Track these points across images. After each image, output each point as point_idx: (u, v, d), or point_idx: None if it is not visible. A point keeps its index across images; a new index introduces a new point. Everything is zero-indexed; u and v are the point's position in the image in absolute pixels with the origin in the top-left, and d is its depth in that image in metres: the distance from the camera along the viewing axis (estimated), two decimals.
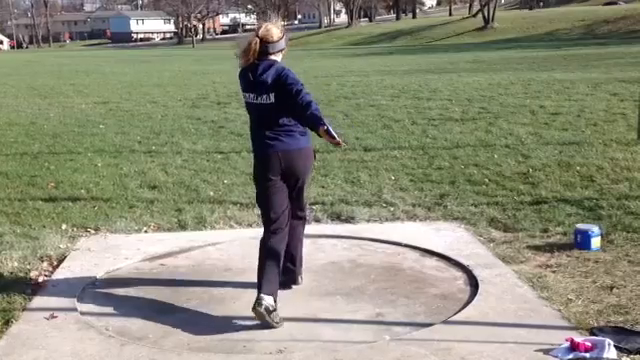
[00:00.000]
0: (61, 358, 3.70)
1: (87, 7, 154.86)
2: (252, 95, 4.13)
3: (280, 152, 4.09)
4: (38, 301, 4.51)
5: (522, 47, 40.93)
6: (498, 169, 8.07)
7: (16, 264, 5.20)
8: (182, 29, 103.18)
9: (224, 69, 28.68)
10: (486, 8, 66.16)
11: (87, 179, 8.17)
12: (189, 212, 6.59)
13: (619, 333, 3.73)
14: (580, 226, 5.40)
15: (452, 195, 6.97)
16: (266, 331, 3.93)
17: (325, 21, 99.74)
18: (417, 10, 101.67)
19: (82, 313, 4.30)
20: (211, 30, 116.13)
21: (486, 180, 7.56)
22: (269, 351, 3.73)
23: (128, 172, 8.54)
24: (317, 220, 6.31)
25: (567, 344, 3.57)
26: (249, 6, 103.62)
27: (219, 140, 10.82)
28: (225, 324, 4.09)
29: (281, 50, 4.18)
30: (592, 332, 3.78)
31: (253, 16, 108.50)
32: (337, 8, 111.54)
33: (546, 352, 3.56)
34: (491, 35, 60.07)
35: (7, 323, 4.14)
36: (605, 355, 3.47)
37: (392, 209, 6.56)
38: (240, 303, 4.31)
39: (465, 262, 5.01)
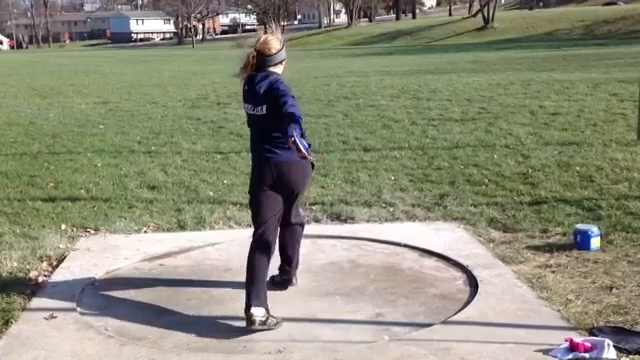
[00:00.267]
0: (60, 358, 3.70)
1: (87, 7, 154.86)
2: (249, 106, 4.15)
3: (273, 164, 4.05)
4: (37, 301, 4.51)
5: (522, 47, 40.94)
6: (498, 169, 8.07)
7: (15, 264, 5.20)
8: (182, 29, 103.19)
9: (224, 69, 28.67)
10: (486, 8, 66.15)
11: (87, 179, 8.17)
12: (188, 212, 6.59)
13: (618, 333, 3.73)
14: (580, 226, 5.40)
15: (452, 195, 6.97)
16: (266, 331, 3.93)
17: (325, 21, 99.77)
18: (417, 10, 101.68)
19: (81, 313, 4.30)
20: (211, 30, 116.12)
21: (486, 180, 7.56)
22: (268, 351, 3.73)
23: (128, 172, 8.54)
24: (317, 220, 6.31)
25: (566, 344, 3.57)
26: (249, 6, 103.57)
27: (219, 140, 10.82)
28: (224, 324, 4.10)
29: (281, 62, 4.17)
30: (591, 332, 3.78)
31: (253, 16, 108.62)
32: (337, 8, 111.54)
33: (545, 352, 3.56)
34: (491, 35, 60.08)
35: (7, 323, 4.14)
36: (604, 355, 3.47)
37: (392, 209, 6.56)
38: (239, 303, 4.29)
39: (464, 262, 5.01)
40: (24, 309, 4.37)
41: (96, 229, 6.18)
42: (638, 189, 6.95)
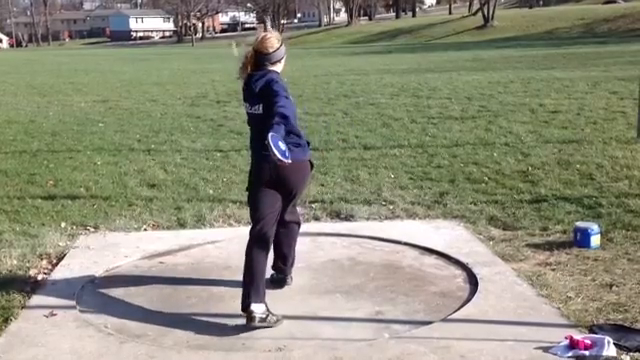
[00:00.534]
0: (60, 356, 3.70)
1: (86, 5, 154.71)
2: (248, 105, 4.17)
3: (271, 163, 3.89)
4: (37, 299, 4.50)
5: (522, 46, 40.91)
6: (497, 167, 8.07)
7: (15, 262, 5.20)
8: (181, 27, 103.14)
9: (223, 67, 28.67)
10: (486, 7, 66.09)
11: (86, 177, 8.17)
12: (188, 210, 6.59)
13: (618, 331, 3.74)
14: (579, 224, 5.40)
15: (451, 193, 6.97)
16: (265, 329, 3.93)
17: (325, 20, 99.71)
18: (417, 9, 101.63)
19: (81, 311, 4.30)
20: (210, 29, 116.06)
21: (485, 178, 7.56)
22: (268, 349, 3.73)
23: (127, 170, 8.54)
24: (316, 218, 6.31)
25: (566, 342, 3.57)
26: (248, 4, 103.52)
27: (218, 138, 10.81)
28: (224, 322, 4.09)
29: (279, 60, 4.17)
30: (591, 330, 3.78)
31: (252, 14, 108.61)
32: (337, 7, 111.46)
33: (545, 350, 3.56)
34: (491, 34, 60.03)
35: (6, 321, 4.14)
36: (604, 353, 3.47)
37: (391, 207, 6.56)
38: (239, 301, 4.28)
39: (464, 260, 5.01)
40: (24, 307, 4.37)
41: (96, 227, 6.18)
42: (638, 187, 6.95)
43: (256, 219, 4.17)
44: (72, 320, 4.15)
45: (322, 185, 7.45)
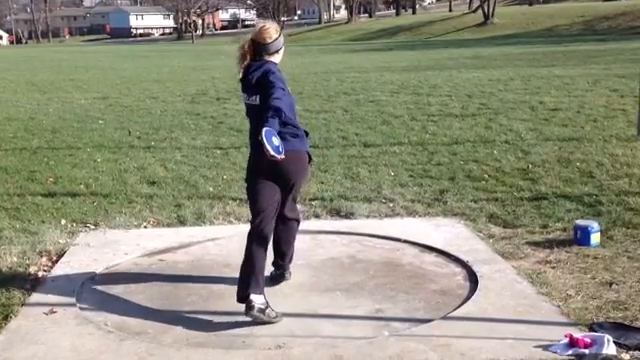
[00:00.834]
0: (60, 353, 3.70)
1: (86, 2, 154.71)
2: (245, 95, 4.15)
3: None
4: (37, 296, 4.50)
5: (522, 43, 40.87)
6: (498, 165, 8.07)
7: (15, 259, 5.20)
8: (181, 24, 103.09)
9: (223, 65, 28.65)
10: (486, 4, 66.02)
11: (86, 174, 8.17)
12: (188, 208, 6.59)
13: (618, 329, 3.73)
14: (580, 222, 5.40)
15: (451, 191, 6.97)
16: (265, 326, 3.93)
17: (325, 17, 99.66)
18: (417, 6, 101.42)
19: (81, 308, 4.30)
20: (210, 26, 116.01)
21: (486, 176, 7.55)
22: (268, 346, 3.73)
23: (127, 167, 8.54)
24: (316, 216, 6.31)
25: (566, 340, 3.57)
26: (249, 1, 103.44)
27: (218, 136, 10.81)
28: (224, 320, 4.09)
29: (277, 51, 4.15)
30: (591, 328, 3.78)
31: (253, 12, 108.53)
32: (337, 4, 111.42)
33: (545, 348, 3.56)
34: (491, 31, 59.96)
35: (6, 318, 4.14)
36: (604, 351, 3.47)
37: (391, 205, 6.56)
38: None
39: (464, 258, 5.01)
40: (24, 304, 4.37)
41: (96, 224, 6.18)
42: (638, 185, 6.95)
43: (255, 212, 4.16)
44: (72, 317, 4.15)
45: (322, 183, 7.44)
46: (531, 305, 4.14)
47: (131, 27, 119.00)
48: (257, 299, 3.95)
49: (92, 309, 4.30)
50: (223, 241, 5.62)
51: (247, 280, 4.00)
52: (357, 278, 4.75)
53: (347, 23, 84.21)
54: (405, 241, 5.49)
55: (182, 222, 6.21)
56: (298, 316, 4.12)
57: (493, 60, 26.57)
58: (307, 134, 4.29)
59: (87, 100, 16.78)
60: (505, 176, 7.53)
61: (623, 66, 19.96)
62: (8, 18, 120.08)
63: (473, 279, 4.64)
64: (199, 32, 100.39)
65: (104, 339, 3.84)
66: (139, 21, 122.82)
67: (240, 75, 4.15)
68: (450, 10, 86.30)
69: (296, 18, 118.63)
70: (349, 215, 6.30)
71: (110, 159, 9.12)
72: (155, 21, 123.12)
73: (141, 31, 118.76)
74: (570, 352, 3.49)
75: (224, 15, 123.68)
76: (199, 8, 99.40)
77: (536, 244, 5.32)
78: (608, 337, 3.56)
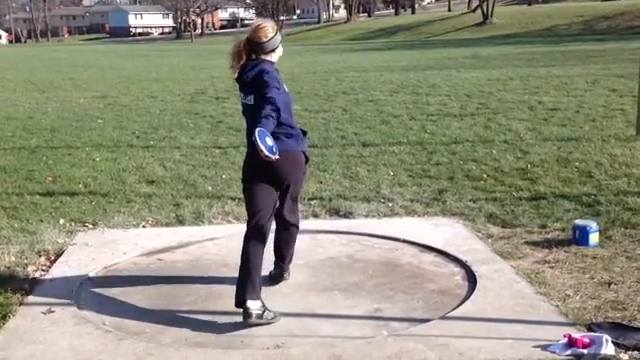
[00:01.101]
0: (58, 353, 3.69)
1: (85, 1, 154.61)
2: (242, 95, 4.11)
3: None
4: (35, 296, 4.50)
5: (521, 43, 40.89)
6: (496, 165, 8.07)
7: (13, 259, 5.19)
8: (181, 24, 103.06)
9: (223, 64, 28.59)
10: (485, 4, 66.05)
11: (85, 174, 8.16)
12: (187, 207, 6.58)
13: (617, 329, 3.73)
14: (578, 222, 5.40)
15: (450, 191, 6.97)
16: (264, 326, 3.93)
17: (324, 16, 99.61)
18: (416, 5, 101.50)
19: (79, 308, 4.29)
20: (210, 25, 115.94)
21: (484, 176, 7.55)
22: (267, 346, 3.72)
23: (126, 167, 8.53)
24: (315, 215, 6.30)
25: (565, 340, 3.56)
26: (248, 1, 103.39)
27: (217, 135, 10.80)
28: (223, 319, 4.08)
29: (274, 49, 4.08)
30: (590, 328, 3.78)
31: (252, 11, 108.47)
32: (336, 3, 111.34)
33: (544, 348, 3.56)
34: (490, 31, 59.98)
35: (4, 318, 4.13)
36: (603, 351, 3.47)
37: (390, 204, 6.55)
38: None
39: (463, 258, 5.01)
40: (22, 304, 4.36)
41: (94, 224, 6.18)
42: (637, 185, 6.95)
43: (252, 212, 4.13)
44: (70, 317, 4.14)
45: (321, 182, 7.44)
46: (530, 305, 4.14)
47: (130, 26, 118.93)
48: (253, 305, 3.92)
49: (90, 309, 4.30)
50: (222, 241, 5.62)
51: (244, 285, 3.98)
52: (356, 278, 4.74)
53: (346, 22, 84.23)
54: (404, 241, 5.48)
55: (181, 221, 6.21)
56: (297, 316, 4.11)
57: (492, 60, 26.59)
58: (305, 133, 4.25)
59: (86, 99, 16.78)
60: (504, 176, 7.53)
61: (622, 66, 19.96)
62: (7, 17, 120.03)
63: (472, 279, 4.63)
64: (198, 31, 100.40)
65: (102, 339, 3.84)
66: (138, 20, 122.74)
67: (235, 74, 4.11)
68: (449, 10, 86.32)
69: (295, 17, 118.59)
70: (348, 215, 6.30)
71: (109, 158, 9.11)
72: (154, 20, 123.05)
73: (140, 30, 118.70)
74: (569, 352, 3.49)
75: (223, 14, 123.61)
76: (198, 7, 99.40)
77: (535, 244, 5.32)
78: (607, 337, 3.56)
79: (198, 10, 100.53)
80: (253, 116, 3.90)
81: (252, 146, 4.01)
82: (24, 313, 4.22)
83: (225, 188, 7.31)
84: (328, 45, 54.56)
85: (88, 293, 4.58)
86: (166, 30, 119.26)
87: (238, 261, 4.12)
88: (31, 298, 4.46)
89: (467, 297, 4.33)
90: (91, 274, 4.92)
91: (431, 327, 3.90)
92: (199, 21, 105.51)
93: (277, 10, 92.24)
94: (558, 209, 6.18)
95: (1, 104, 16.24)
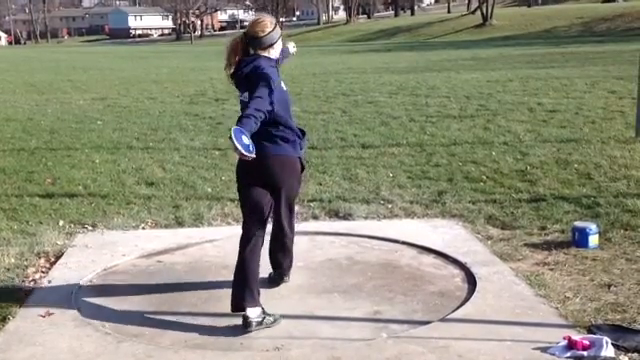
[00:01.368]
0: (58, 355, 3.69)
1: (85, 3, 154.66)
2: (238, 92, 4.02)
3: (257, 156, 3.66)
4: (35, 298, 4.50)
5: (520, 44, 40.89)
6: (496, 166, 8.06)
7: (13, 260, 5.19)
8: (180, 25, 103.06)
9: (222, 66, 28.57)
10: (484, 5, 66.09)
11: (84, 175, 8.16)
12: (186, 209, 6.58)
13: (617, 331, 3.73)
14: (578, 224, 5.40)
15: (450, 192, 6.97)
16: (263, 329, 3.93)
17: (323, 18, 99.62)
18: (416, 7, 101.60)
19: (79, 310, 4.29)
20: (209, 26, 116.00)
21: (484, 177, 7.55)
22: (266, 348, 3.72)
23: (125, 168, 8.53)
24: (315, 217, 6.30)
25: (565, 342, 3.56)
26: (247, 2, 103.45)
27: (217, 136, 10.80)
28: (222, 321, 4.08)
29: (271, 45, 3.96)
30: (590, 330, 3.78)
31: (251, 12, 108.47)
32: (335, 5, 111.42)
33: (544, 350, 3.56)
34: (489, 32, 60.00)
35: (3, 320, 4.13)
36: (603, 353, 3.47)
37: (390, 206, 6.55)
38: None
39: (463, 259, 5.01)
40: (21, 306, 4.36)
41: (94, 225, 6.17)
42: (636, 186, 6.95)
43: (246, 215, 4.11)
44: (70, 319, 4.14)
45: (320, 184, 7.44)
46: (529, 307, 4.14)
47: (130, 28, 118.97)
48: (253, 313, 3.91)
49: (90, 311, 4.29)
50: (221, 242, 5.61)
51: (241, 292, 3.95)
52: (355, 280, 4.74)
53: (346, 24, 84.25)
54: (403, 242, 5.48)
55: (180, 223, 6.21)
56: (296, 318, 4.11)
57: (491, 61, 26.59)
58: (304, 133, 4.14)
59: (85, 101, 16.77)
60: (503, 177, 7.53)
61: (621, 68, 19.96)
62: (7, 18, 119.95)
63: (471, 281, 4.63)
64: (198, 33, 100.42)
65: (102, 341, 3.84)
66: (138, 22, 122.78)
67: (231, 70, 4.00)
68: (449, 11, 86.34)
69: (294, 19, 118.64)
70: (347, 216, 6.30)
71: (108, 160, 9.11)
72: (154, 22, 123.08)
73: (140, 32, 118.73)
74: (568, 354, 3.49)
75: (223, 16, 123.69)
76: (198, 9, 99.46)
77: (534, 246, 5.32)
78: (606, 339, 3.56)
79: (198, 12, 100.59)
80: None
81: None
82: (24, 315, 4.22)
83: (224, 190, 7.30)
84: (327, 46, 54.57)
85: (87, 295, 4.58)
86: (166, 32, 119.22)
87: None
88: (30, 300, 4.46)
89: (467, 299, 4.33)
90: (90, 276, 4.91)
91: (431, 329, 3.90)
92: (199, 23, 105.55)
93: (276, 11, 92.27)
94: (558, 211, 6.18)
95: (0, 105, 16.23)
